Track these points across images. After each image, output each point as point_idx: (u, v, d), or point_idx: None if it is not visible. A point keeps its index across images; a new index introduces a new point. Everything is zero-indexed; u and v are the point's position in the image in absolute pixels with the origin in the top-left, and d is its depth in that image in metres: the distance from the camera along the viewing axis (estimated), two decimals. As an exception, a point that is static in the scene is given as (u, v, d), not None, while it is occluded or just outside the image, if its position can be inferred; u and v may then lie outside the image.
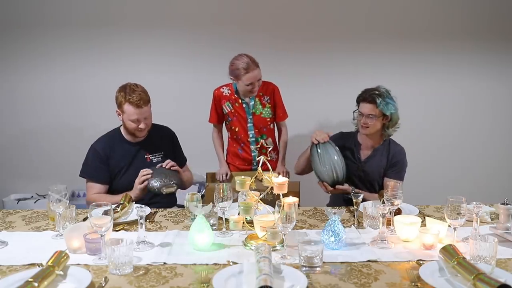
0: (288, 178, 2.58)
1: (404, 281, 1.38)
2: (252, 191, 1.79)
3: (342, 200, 2.48)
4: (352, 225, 1.91)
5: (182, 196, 2.28)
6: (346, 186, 2.35)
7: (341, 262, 1.52)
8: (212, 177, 2.92)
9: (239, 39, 3.52)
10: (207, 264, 1.50)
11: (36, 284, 1.24)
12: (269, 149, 2.75)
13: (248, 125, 2.85)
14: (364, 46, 3.66)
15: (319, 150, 2.35)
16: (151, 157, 2.44)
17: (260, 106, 2.84)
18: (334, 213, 1.64)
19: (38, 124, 3.72)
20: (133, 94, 2.26)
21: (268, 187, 1.74)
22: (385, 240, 1.68)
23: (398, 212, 1.88)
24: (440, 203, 2.12)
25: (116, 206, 1.96)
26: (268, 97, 2.84)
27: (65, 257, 1.44)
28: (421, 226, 1.73)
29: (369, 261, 1.53)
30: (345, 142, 2.51)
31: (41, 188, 3.63)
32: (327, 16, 3.64)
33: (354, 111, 2.44)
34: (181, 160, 2.56)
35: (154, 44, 3.63)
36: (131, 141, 2.42)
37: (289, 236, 1.57)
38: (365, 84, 2.45)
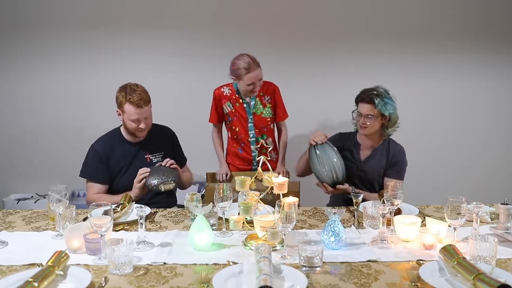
0: (288, 178, 2.59)
1: (404, 281, 1.38)
2: (252, 191, 1.79)
3: (342, 200, 2.48)
4: (352, 225, 1.91)
5: (182, 196, 2.28)
6: (346, 186, 2.35)
7: (341, 262, 1.52)
8: (212, 177, 2.92)
9: (239, 39, 3.52)
10: (207, 264, 1.50)
11: (36, 284, 1.24)
12: (269, 149, 2.75)
13: (249, 125, 2.85)
14: (364, 46, 3.67)
15: (317, 152, 2.35)
16: (151, 157, 2.44)
17: (261, 106, 2.84)
18: (334, 213, 1.64)
19: (38, 124, 3.72)
20: (133, 94, 2.26)
21: (268, 187, 1.74)
22: (385, 240, 1.68)
23: (398, 212, 1.88)
24: (440, 203, 2.12)
25: (116, 206, 1.96)
26: (268, 97, 2.84)
27: (65, 257, 1.44)
28: (421, 226, 1.73)
29: (369, 261, 1.53)
30: (344, 143, 2.51)
31: (41, 188, 3.63)
32: (327, 16, 3.64)
33: (353, 111, 2.44)
34: (181, 160, 2.56)
35: (154, 44, 3.63)
36: (131, 141, 2.42)
37: (289, 236, 1.57)
38: (365, 84, 2.45)
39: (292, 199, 1.60)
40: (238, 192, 1.87)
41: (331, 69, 3.69)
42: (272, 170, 1.75)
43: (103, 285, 1.35)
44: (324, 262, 1.48)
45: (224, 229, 1.81)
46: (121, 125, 2.43)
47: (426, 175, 3.72)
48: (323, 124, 3.68)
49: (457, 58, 3.73)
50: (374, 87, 2.38)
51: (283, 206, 1.51)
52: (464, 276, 1.30)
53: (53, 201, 1.76)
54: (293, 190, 2.41)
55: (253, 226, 1.72)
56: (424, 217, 1.84)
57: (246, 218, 1.81)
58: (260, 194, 1.80)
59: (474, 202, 1.68)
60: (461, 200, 1.62)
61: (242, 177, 1.77)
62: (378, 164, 2.44)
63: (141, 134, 2.39)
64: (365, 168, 2.45)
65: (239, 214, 1.83)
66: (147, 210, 1.98)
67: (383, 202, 1.77)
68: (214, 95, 2.87)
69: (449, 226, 1.69)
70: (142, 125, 2.32)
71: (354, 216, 2.00)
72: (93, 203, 1.59)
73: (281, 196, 1.66)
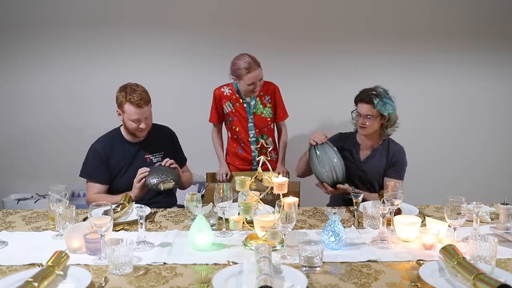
0: (288, 178, 2.59)
1: (404, 281, 1.38)
2: (252, 191, 1.79)
3: (342, 200, 2.48)
4: (352, 225, 1.91)
5: (182, 196, 2.28)
6: (346, 186, 2.35)
7: (341, 262, 1.52)
8: (212, 177, 2.92)
9: (239, 39, 3.52)
10: (207, 264, 1.50)
11: (36, 284, 1.24)
12: (269, 149, 2.76)
13: (249, 125, 2.85)
14: (364, 46, 3.67)
15: (317, 152, 2.35)
16: (151, 157, 2.44)
17: (261, 106, 2.84)
18: (334, 213, 1.64)
19: (38, 124, 3.72)
20: (133, 94, 2.26)
21: (268, 187, 1.74)
22: (385, 240, 1.68)
23: (398, 212, 1.88)
24: (440, 203, 2.12)
25: (116, 206, 1.96)
26: (269, 97, 2.85)
27: (65, 257, 1.44)
28: (421, 226, 1.73)
29: (369, 261, 1.53)
30: (344, 143, 2.51)
31: (41, 188, 3.63)
32: (327, 16, 3.64)
33: (352, 112, 2.44)
34: (181, 160, 2.56)
35: (154, 44, 3.63)
36: (131, 141, 2.42)
37: (289, 236, 1.57)
38: (365, 84, 2.45)
39: (292, 199, 1.60)
40: (238, 192, 1.87)
41: (331, 69, 3.69)
42: (272, 170, 1.75)
43: (103, 285, 1.35)
44: (324, 262, 1.47)
45: (224, 229, 1.81)
46: (121, 125, 2.43)
47: (426, 175, 3.72)
48: (323, 124, 3.68)
49: (457, 58, 3.73)
50: (373, 87, 2.38)
51: (283, 206, 1.51)
52: (464, 276, 1.30)
53: (53, 201, 1.76)
54: (293, 190, 2.41)
55: (253, 226, 1.72)
56: (424, 217, 1.84)
57: (246, 218, 1.81)
58: (260, 194, 1.80)
59: (474, 202, 1.68)
60: (461, 200, 1.62)
61: (242, 177, 1.77)
62: (378, 164, 2.44)
63: (141, 134, 2.39)
64: (365, 168, 2.45)
65: (239, 214, 1.83)
66: (147, 210, 1.98)
67: (383, 202, 1.77)
68: (214, 95, 2.87)
69: (449, 226, 1.69)
70: (142, 125, 2.32)
71: (354, 216, 2.00)
72: (93, 203, 1.59)
73: (281, 196, 1.66)
